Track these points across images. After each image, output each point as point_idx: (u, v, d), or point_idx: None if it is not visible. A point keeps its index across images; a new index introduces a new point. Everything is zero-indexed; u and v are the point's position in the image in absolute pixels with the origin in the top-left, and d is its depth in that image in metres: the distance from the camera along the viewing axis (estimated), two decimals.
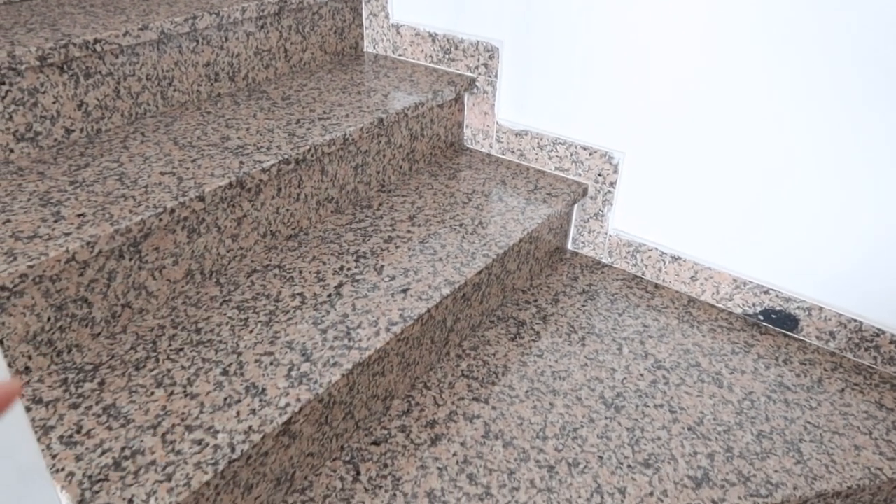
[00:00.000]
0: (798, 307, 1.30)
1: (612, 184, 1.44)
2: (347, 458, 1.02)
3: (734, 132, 1.25)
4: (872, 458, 1.07)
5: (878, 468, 1.05)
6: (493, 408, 1.12)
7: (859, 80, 1.10)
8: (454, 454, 1.04)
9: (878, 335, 1.23)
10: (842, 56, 1.10)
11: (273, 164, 1.14)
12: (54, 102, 1.14)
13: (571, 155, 1.48)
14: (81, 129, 1.20)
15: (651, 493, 0.99)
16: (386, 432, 1.07)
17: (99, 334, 1.00)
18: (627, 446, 1.06)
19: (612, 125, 1.40)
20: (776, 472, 1.04)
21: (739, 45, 1.18)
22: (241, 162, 1.13)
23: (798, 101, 1.16)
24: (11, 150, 1.11)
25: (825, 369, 1.25)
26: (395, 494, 0.97)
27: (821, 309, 1.27)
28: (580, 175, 1.49)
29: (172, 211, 1.02)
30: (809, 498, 1.01)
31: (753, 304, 1.35)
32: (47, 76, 1.12)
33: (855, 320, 1.25)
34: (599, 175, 1.46)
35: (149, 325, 1.04)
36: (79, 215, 0.97)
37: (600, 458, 1.04)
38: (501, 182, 1.48)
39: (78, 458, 0.81)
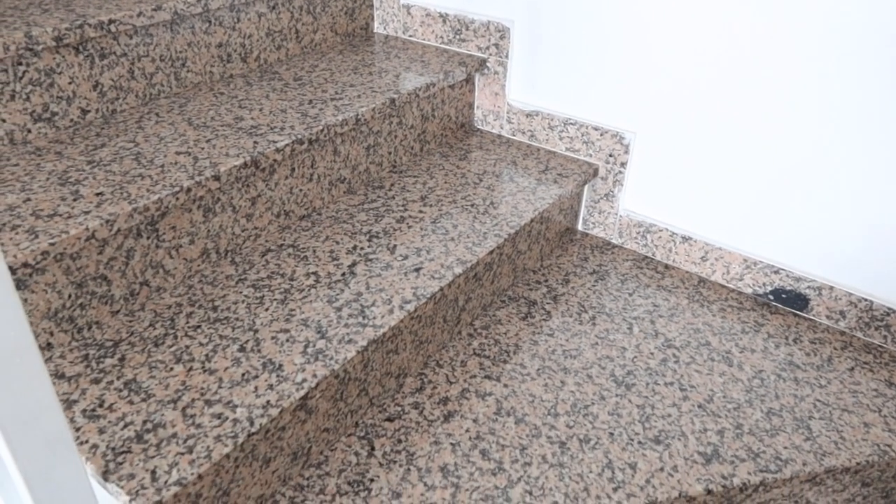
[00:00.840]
0: (808, 287, 1.30)
1: (623, 164, 1.45)
2: (362, 434, 1.04)
3: (747, 112, 1.25)
4: (881, 435, 1.08)
5: (887, 445, 1.06)
6: (505, 385, 1.13)
7: (874, 63, 1.09)
8: (467, 430, 1.05)
9: (888, 314, 1.24)
10: (857, 39, 1.09)
11: (287, 144, 1.15)
12: (70, 83, 1.15)
13: (582, 135, 1.48)
14: (97, 110, 1.21)
15: (661, 469, 1.01)
16: (399, 409, 1.09)
17: (118, 311, 1.02)
18: (638, 423, 1.08)
19: (623, 105, 1.40)
20: (785, 448, 1.05)
21: (755, 25, 1.18)
22: (255, 142, 1.14)
23: (812, 82, 1.16)
24: (29, 131, 1.13)
25: (835, 348, 1.26)
26: (409, 469, 0.99)
27: (831, 288, 1.28)
28: (591, 156, 1.49)
29: (189, 190, 1.03)
30: (818, 474, 1.02)
31: (764, 284, 1.35)
32: (63, 57, 1.13)
33: (865, 299, 1.25)
34: (610, 156, 1.46)
35: (166, 302, 1.05)
36: (97, 194, 0.99)
37: (611, 434, 1.06)
38: (512, 163, 1.49)
39: (101, 431, 0.83)
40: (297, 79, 1.41)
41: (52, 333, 0.94)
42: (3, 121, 1.09)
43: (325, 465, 0.99)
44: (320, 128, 1.21)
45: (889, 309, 1.23)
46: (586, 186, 1.52)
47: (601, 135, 1.45)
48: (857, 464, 1.04)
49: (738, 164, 1.30)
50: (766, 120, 1.23)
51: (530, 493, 0.96)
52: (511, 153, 1.53)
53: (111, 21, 1.16)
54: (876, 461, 1.05)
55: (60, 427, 0.68)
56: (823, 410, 1.12)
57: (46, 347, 0.94)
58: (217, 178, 1.06)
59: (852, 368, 1.21)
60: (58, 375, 0.91)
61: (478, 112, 1.63)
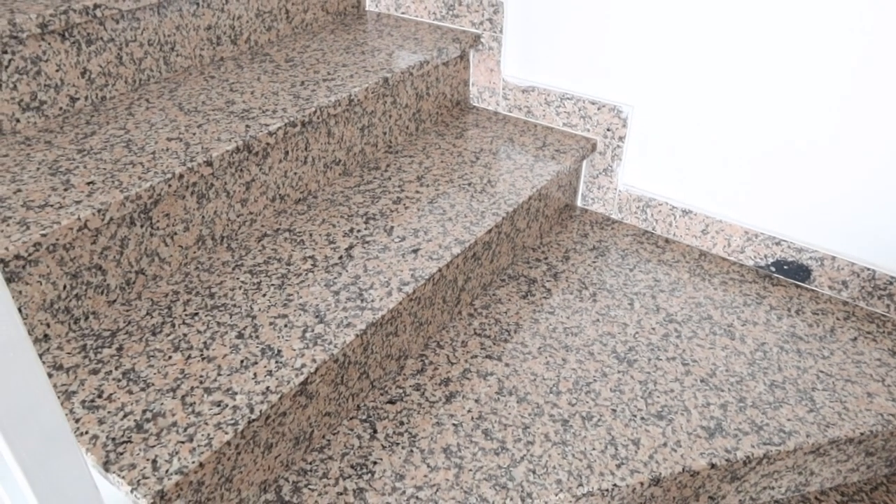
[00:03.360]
0: (811, 257, 1.29)
1: (622, 138, 1.43)
2: (364, 417, 1.04)
3: (745, 82, 1.23)
4: (885, 405, 1.08)
5: (891, 414, 1.06)
6: (507, 365, 1.13)
7: (877, 28, 1.07)
8: (469, 411, 1.05)
9: (891, 283, 1.23)
10: (858, 5, 1.07)
11: (279, 127, 1.14)
12: (57, 70, 1.14)
13: (579, 110, 1.46)
14: (86, 97, 1.19)
15: (665, 444, 1.00)
16: (401, 391, 1.08)
17: (114, 301, 1.01)
18: (640, 399, 1.07)
19: (620, 78, 1.38)
20: (789, 420, 1.05)
21: None
22: (248, 126, 1.13)
23: (811, 51, 1.14)
24: (17, 121, 1.11)
25: (838, 318, 1.25)
26: (412, 451, 0.99)
27: (833, 258, 1.27)
28: (588, 130, 1.47)
29: (181, 176, 1.02)
30: (822, 445, 1.02)
31: (765, 256, 1.34)
32: (49, 44, 1.11)
33: (868, 269, 1.24)
34: (608, 130, 1.44)
35: (163, 290, 1.04)
36: (88, 183, 0.98)
37: (614, 410, 1.05)
38: (509, 140, 1.47)
39: (101, 422, 0.83)
40: (288, 60, 1.39)
41: (48, 325, 0.94)
42: None
43: (327, 449, 0.99)
44: (313, 109, 1.19)
45: (892, 278, 1.22)
46: (584, 162, 1.51)
47: (598, 109, 1.43)
48: (861, 434, 1.03)
49: (737, 136, 1.28)
50: (764, 90, 1.22)
51: (533, 472, 0.96)
52: (508, 130, 1.51)
53: (96, 6, 1.13)
54: (880, 431, 1.04)
55: (58, 419, 0.68)
56: (826, 381, 1.11)
57: (43, 339, 0.94)
58: (209, 163, 1.05)
59: (855, 339, 1.20)
60: (56, 367, 0.91)
61: (473, 89, 1.61)
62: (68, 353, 0.93)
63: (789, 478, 1.07)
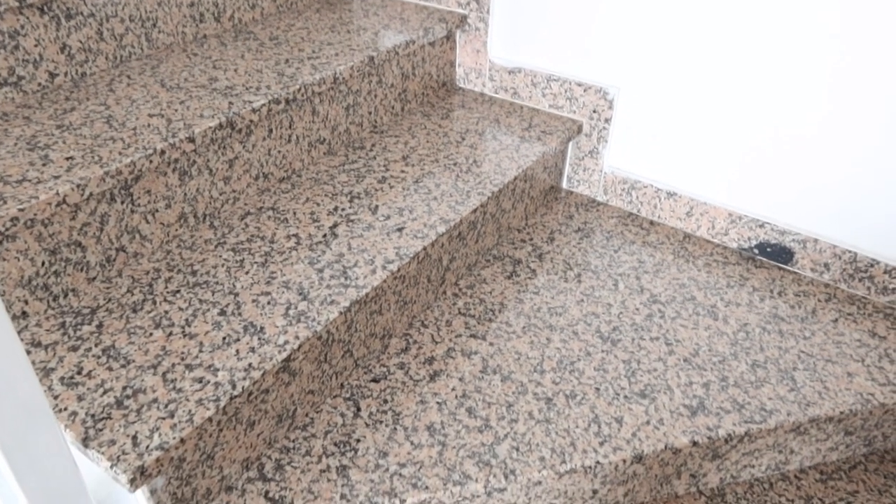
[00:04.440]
0: (793, 240, 1.30)
1: (607, 120, 1.43)
2: (348, 395, 1.04)
3: (732, 65, 1.23)
4: (864, 385, 1.09)
5: (869, 393, 1.07)
6: (491, 344, 1.13)
7: (860, 17, 1.07)
8: (453, 389, 1.05)
9: (872, 265, 1.24)
10: None
11: (263, 105, 1.12)
12: (36, 45, 1.11)
13: (565, 92, 1.46)
14: (65, 73, 1.17)
15: (647, 422, 1.01)
16: (385, 370, 1.08)
17: (94, 278, 1.00)
18: (624, 378, 1.08)
19: (606, 60, 1.37)
20: (770, 399, 1.05)
21: None
22: (231, 103, 1.11)
23: (794, 36, 1.14)
24: None
25: (819, 300, 1.26)
26: (395, 428, 0.99)
27: (816, 241, 1.28)
28: (574, 112, 1.47)
29: (163, 153, 1.00)
30: (802, 423, 1.03)
31: (749, 238, 1.35)
32: (27, 18, 1.09)
33: (850, 251, 1.25)
34: (594, 112, 1.44)
35: (144, 268, 1.03)
36: (67, 158, 0.96)
37: (597, 389, 1.06)
38: (495, 121, 1.46)
39: (80, 398, 0.82)
40: (272, 38, 1.37)
41: (26, 302, 0.92)
42: None
43: (310, 427, 0.99)
44: (297, 87, 1.18)
45: (873, 260, 1.23)
46: (570, 144, 1.50)
47: (585, 90, 1.43)
48: (841, 413, 1.05)
49: (723, 119, 1.29)
50: (750, 73, 1.22)
51: (517, 449, 0.96)
52: (494, 111, 1.50)
53: None
54: (859, 410, 1.05)
55: (36, 395, 0.67)
56: (808, 361, 1.12)
57: (21, 316, 0.92)
58: (192, 139, 1.04)
59: (836, 320, 1.22)
60: (34, 344, 0.89)
61: (459, 70, 1.60)
62: (47, 331, 0.92)
63: (770, 456, 1.08)
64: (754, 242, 1.35)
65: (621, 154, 1.45)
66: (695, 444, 0.99)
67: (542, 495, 0.98)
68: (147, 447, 0.76)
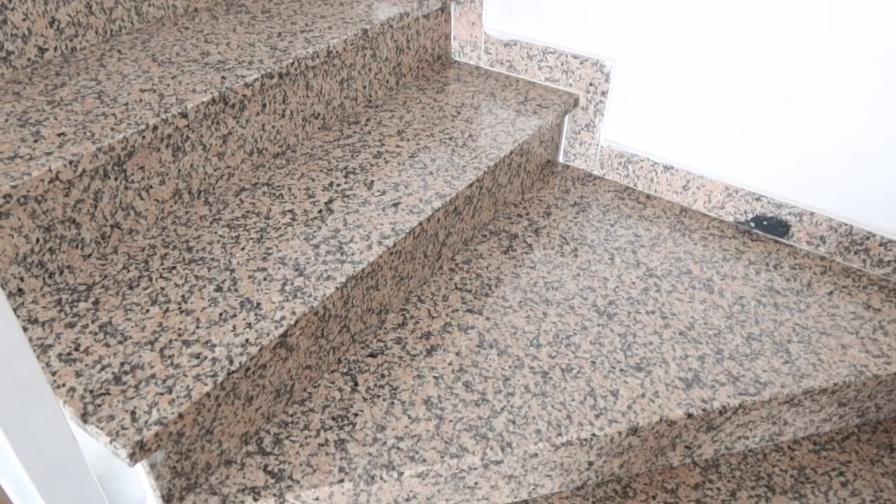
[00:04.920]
0: (790, 213, 1.30)
1: (604, 93, 1.42)
2: (345, 370, 1.04)
3: (729, 37, 1.22)
4: (858, 356, 1.10)
5: (863, 365, 1.08)
6: (487, 318, 1.13)
7: None
8: (450, 363, 1.05)
9: (868, 238, 1.24)
10: None
11: (256, 79, 1.11)
12: (24, 20, 1.10)
13: (562, 65, 1.44)
14: (55, 48, 1.15)
15: (643, 395, 1.02)
16: (382, 345, 1.08)
17: (90, 255, 1.00)
18: (620, 351, 1.08)
19: (603, 32, 1.36)
20: (765, 371, 1.06)
21: None
22: (223, 77, 1.10)
23: (793, 11, 1.13)
24: None
25: (815, 273, 1.26)
26: (392, 402, 0.99)
27: (812, 214, 1.28)
28: (571, 85, 1.46)
29: (155, 128, 0.99)
30: (796, 395, 1.04)
31: (745, 212, 1.35)
32: None
33: (845, 224, 1.25)
34: (590, 85, 1.43)
35: (139, 245, 1.03)
36: (59, 134, 0.95)
37: (593, 363, 1.06)
38: (491, 94, 1.45)
39: (78, 374, 0.82)
40: (264, 11, 1.35)
41: (22, 279, 0.92)
42: None
43: (308, 402, 0.99)
44: (290, 61, 1.16)
45: (868, 233, 1.24)
46: (567, 117, 1.49)
47: (581, 63, 1.42)
48: (835, 384, 1.05)
49: (720, 92, 1.28)
50: (747, 45, 1.21)
51: (513, 423, 0.97)
52: (489, 85, 1.49)
53: None
54: (853, 381, 1.06)
55: (33, 371, 0.67)
56: (802, 334, 1.13)
57: (17, 293, 0.92)
58: (185, 115, 1.03)
59: (831, 292, 1.22)
60: (31, 321, 0.89)
61: (454, 43, 1.59)
62: (43, 307, 0.92)
63: (763, 427, 1.09)
64: (751, 216, 1.35)
65: (618, 127, 1.44)
66: (690, 416, 1.00)
67: (539, 467, 0.99)
68: (146, 422, 0.77)
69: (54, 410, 0.70)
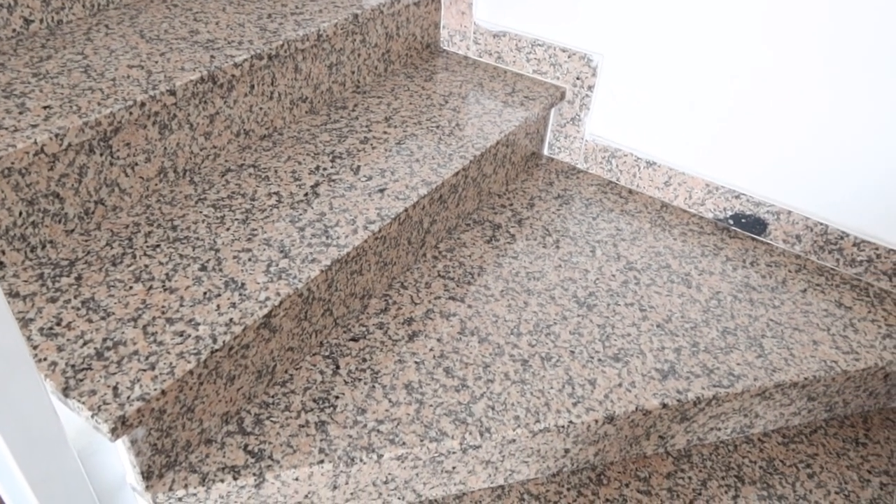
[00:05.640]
0: (768, 211, 1.33)
1: (591, 87, 1.43)
2: (327, 353, 1.05)
3: (713, 37, 1.24)
4: (829, 352, 1.12)
5: (833, 361, 1.11)
6: (469, 306, 1.14)
7: None
8: (431, 349, 1.06)
9: (842, 238, 1.27)
10: None
11: (245, 59, 1.11)
12: None
13: (550, 57, 1.45)
14: (41, 20, 1.14)
15: (620, 384, 1.04)
16: (364, 329, 1.09)
17: (73, 231, 0.99)
18: (598, 342, 1.10)
19: (592, 26, 1.37)
20: (738, 364, 1.09)
21: None
22: (212, 56, 1.10)
23: (776, 10, 1.15)
24: None
25: (790, 271, 1.29)
26: (373, 386, 1.00)
27: (789, 213, 1.31)
28: (558, 78, 1.47)
29: (143, 105, 0.99)
30: (768, 388, 1.07)
31: (724, 209, 1.37)
32: None
33: (821, 223, 1.28)
34: (577, 79, 1.44)
35: (123, 222, 1.02)
36: (45, 107, 0.94)
37: (572, 352, 1.08)
38: (478, 85, 1.46)
39: (60, 349, 0.82)
40: None
41: (3, 252, 0.91)
42: None
43: (290, 384, 1.00)
44: (280, 43, 1.16)
45: (843, 232, 1.27)
46: (553, 110, 1.51)
47: (569, 56, 1.43)
48: (805, 379, 1.08)
49: (701, 89, 1.30)
50: (732, 46, 1.22)
51: (492, 409, 0.98)
52: (477, 75, 1.50)
53: None
54: (822, 377, 1.09)
55: (16, 342, 0.67)
56: (776, 329, 1.16)
57: None
58: (173, 92, 1.02)
59: (805, 290, 1.25)
60: (12, 294, 0.89)
61: (444, 32, 1.59)
62: (25, 281, 0.91)
63: (735, 419, 1.12)
64: (730, 213, 1.37)
65: (603, 122, 1.46)
66: (665, 406, 1.02)
67: (516, 453, 1.01)
68: (128, 398, 0.77)
69: (37, 383, 0.70)
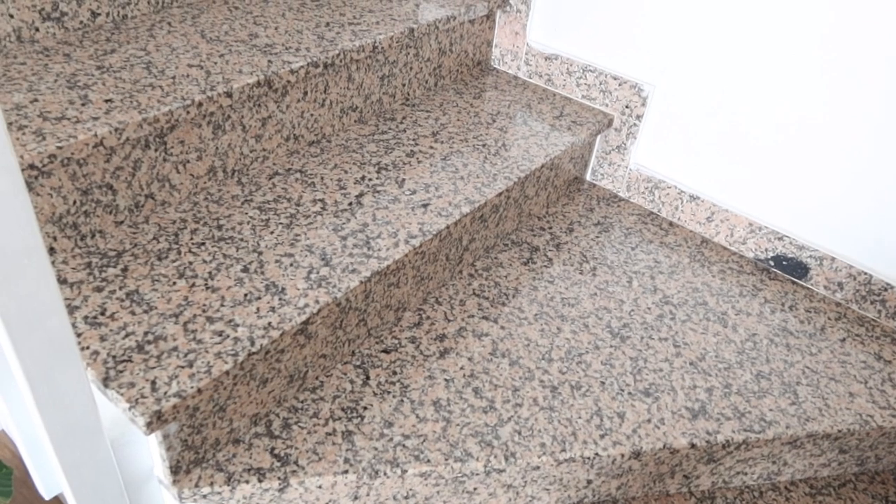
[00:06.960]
0: (810, 256, 1.31)
1: (639, 117, 1.43)
2: (358, 363, 1.05)
3: (767, 76, 1.23)
4: (865, 406, 1.10)
5: (868, 415, 1.09)
6: (502, 327, 1.14)
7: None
8: (461, 368, 1.06)
9: (886, 289, 1.25)
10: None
11: (301, 66, 1.13)
12: None
13: (600, 84, 1.45)
14: (107, 14, 1.17)
15: (649, 420, 1.03)
16: (396, 342, 1.09)
17: (122, 222, 1.01)
18: (630, 374, 1.09)
19: (645, 56, 1.37)
20: (771, 410, 1.07)
21: None
22: (270, 61, 1.12)
23: (830, 48, 1.14)
24: (37, 29, 1.09)
25: (829, 318, 1.27)
26: (402, 400, 1.00)
27: (833, 259, 1.28)
28: (607, 105, 1.47)
29: (200, 105, 1.01)
30: (799, 437, 1.05)
31: (766, 250, 1.36)
32: None
33: (865, 273, 1.26)
34: (626, 107, 1.44)
35: (171, 217, 1.04)
36: (106, 101, 0.97)
37: (602, 383, 1.07)
38: (527, 106, 1.46)
39: (102, 339, 0.84)
40: None
41: (55, 238, 0.94)
42: (11, 16, 1.06)
43: (319, 390, 1.01)
44: (336, 52, 1.18)
45: (887, 284, 1.24)
46: (599, 136, 1.50)
47: (619, 85, 1.42)
48: (839, 431, 1.06)
49: (750, 127, 1.28)
50: (781, 85, 1.21)
51: (519, 433, 0.98)
52: (526, 96, 1.50)
53: None
54: (856, 430, 1.07)
55: (65, 330, 0.69)
56: (811, 377, 1.14)
57: (49, 252, 0.94)
58: (229, 94, 1.04)
59: (844, 339, 1.23)
60: (60, 281, 0.91)
61: (495, 51, 1.60)
62: (73, 269, 0.93)
63: (763, 465, 1.10)
64: (771, 254, 1.35)
65: (648, 152, 1.45)
66: (693, 446, 1.01)
67: (538, 480, 1.00)
68: (165, 393, 0.78)
69: (80, 371, 0.71)
